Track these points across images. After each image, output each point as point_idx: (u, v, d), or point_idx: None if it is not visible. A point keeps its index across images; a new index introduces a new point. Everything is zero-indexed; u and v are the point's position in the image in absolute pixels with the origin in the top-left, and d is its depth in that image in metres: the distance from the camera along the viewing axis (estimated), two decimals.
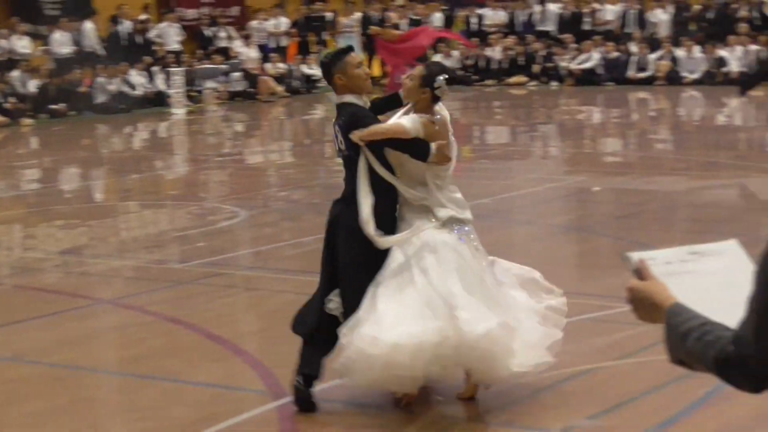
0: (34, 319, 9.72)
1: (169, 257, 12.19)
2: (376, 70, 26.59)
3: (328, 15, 34.57)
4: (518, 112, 27.43)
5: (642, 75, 30.15)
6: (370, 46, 28.10)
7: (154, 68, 29.97)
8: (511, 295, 7.18)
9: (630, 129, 23.26)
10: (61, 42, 29.27)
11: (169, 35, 31.58)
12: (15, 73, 27.65)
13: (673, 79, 29.30)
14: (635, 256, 2.98)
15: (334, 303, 7.02)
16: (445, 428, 6.78)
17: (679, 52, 30.06)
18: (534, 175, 16.67)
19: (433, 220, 7.05)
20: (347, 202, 7.10)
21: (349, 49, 7.43)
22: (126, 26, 30.84)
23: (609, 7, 33.02)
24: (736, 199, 14.08)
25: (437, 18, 33.90)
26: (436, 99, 7.22)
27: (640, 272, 2.94)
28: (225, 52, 31.83)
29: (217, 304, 9.99)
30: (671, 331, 2.83)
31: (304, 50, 33.33)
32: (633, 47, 30.64)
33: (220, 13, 33.39)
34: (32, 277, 11.52)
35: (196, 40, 32.70)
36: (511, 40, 33.15)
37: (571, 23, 33.26)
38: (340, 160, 7.32)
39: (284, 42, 33.70)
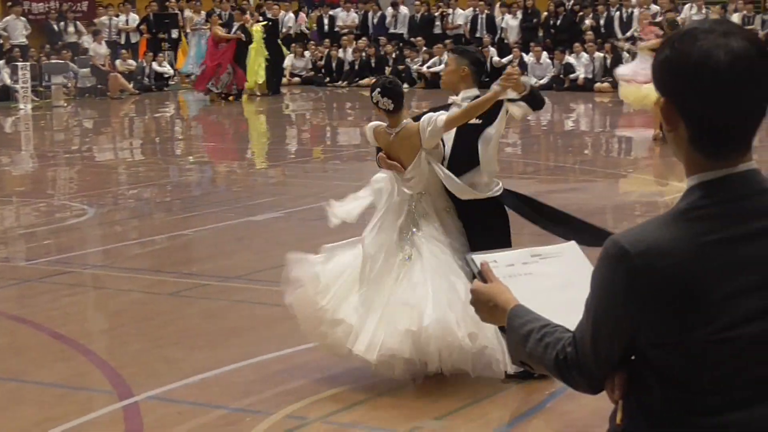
0: None
1: (15, 254, 11.97)
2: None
3: (183, 13, 34.23)
4: (369, 113, 27.50)
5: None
6: None
7: (0, 62, 29.37)
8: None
9: None
10: None
11: (16, 29, 30.97)
12: None
13: None
14: (478, 258, 3.00)
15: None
16: (294, 428, 6.79)
17: (528, 58, 30.55)
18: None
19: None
20: None
21: None
22: None
23: (459, 11, 33.38)
24: (583, 202, 14.30)
25: (290, 18, 33.85)
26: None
27: (483, 275, 2.97)
28: (74, 48, 31.29)
29: (63, 302, 9.78)
30: (513, 333, 2.85)
31: (154, 47, 32.97)
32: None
33: (68, 7, 32.85)
34: None
35: (44, 34, 32.11)
36: (362, 41, 33.30)
37: (422, 26, 33.54)
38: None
39: (135, 38, 33.31)
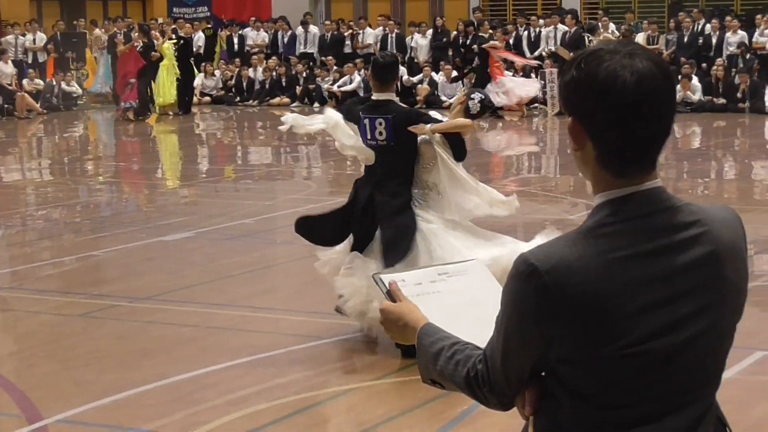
0: None
1: None
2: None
3: (95, 31, 33.91)
4: (280, 133, 27.30)
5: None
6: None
7: None
8: None
9: None
10: None
11: None
12: None
13: (432, 102, 29.85)
14: (386, 278, 3.01)
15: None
16: None
17: (438, 77, 30.69)
18: (296, 196, 16.65)
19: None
20: (381, 184, 8.48)
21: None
22: None
23: (369, 30, 33.46)
24: (495, 220, 14.29)
25: (200, 38, 33.69)
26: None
27: (392, 294, 2.98)
28: None
29: None
30: (423, 352, 2.87)
31: (62, 66, 32.62)
32: None
33: None
34: None
35: None
36: (273, 61, 33.24)
37: (332, 45, 33.58)
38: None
39: (42, 58, 32.96)
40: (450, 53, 32.02)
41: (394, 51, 31.83)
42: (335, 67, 31.98)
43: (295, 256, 12.49)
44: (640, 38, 29.65)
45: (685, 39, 29.86)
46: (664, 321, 2.60)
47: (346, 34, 33.72)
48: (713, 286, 2.67)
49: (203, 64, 33.01)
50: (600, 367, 2.59)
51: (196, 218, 14.69)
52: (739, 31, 29.29)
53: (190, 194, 17.73)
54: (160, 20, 34.52)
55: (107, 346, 8.87)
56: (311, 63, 33.36)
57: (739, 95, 27.26)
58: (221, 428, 7.01)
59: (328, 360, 8.11)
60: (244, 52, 34.66)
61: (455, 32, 32.11)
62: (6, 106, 30.02)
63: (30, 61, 32.59)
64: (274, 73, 32.67)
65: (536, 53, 30.71)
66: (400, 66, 8.77)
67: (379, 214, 8.40)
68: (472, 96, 8.78)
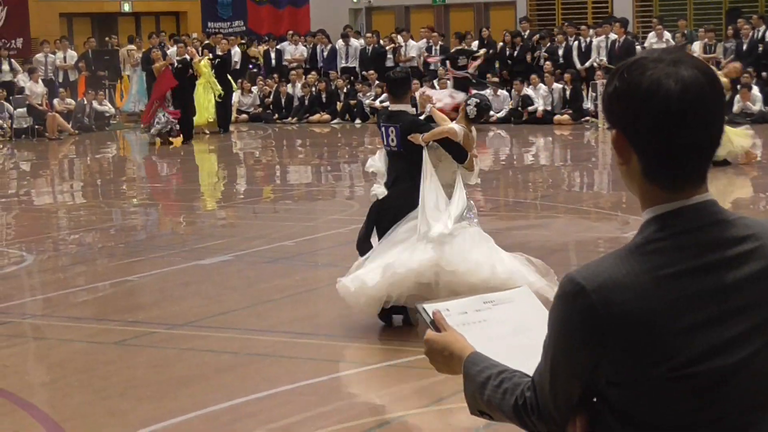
0: None
1: None
2: None
3: (122, 49, 33.43)
4: (321, 151, 26.77)
5: None
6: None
7: None
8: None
9: None
10: None
11: None
12: None
13: None
14: (430, 307, 2.99)
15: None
16: None
17: (487, 92, 29.70)
18: (338, 216, 16.29)
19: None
20: (394, 185, 9.79)
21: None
22: None
23: (412, 42, 32.57)
24: (545, 239, 13.70)
25: (236, 53, 32.84)
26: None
27: (436, 324, 2.95)
28: (9, 87, 30.19)
29: (1, 354, 9.50)
30: (470, 382, 2.84)
31: (94, 85, 31.91)
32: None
33: (2, 44, 32.06)
34: None
35: None
36: (312, 76, 32.36)
37: (374, 59, 32.62)
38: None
39: (73, 76, 32.29)
40: (497, 65, 31.08)
41: (438, 65, 31.08)
42: (377, 82, 30.96)
43: (336, 279, 12.14)
44: (697, 47, 28.70)
45: (744, 47, 28.88)
46: (715, 341, 2.55)
47: (387, 48, 32.73)
48: None
49: (240, 80, 32.24)
50: (649, 390, 2.55)
51: (235, 241, 14.53)
52: None
53: (227, 216, 17.62)
54: (194, 35, 33.93)
55: (143, 375, 8.85)
56: (352, 78, 32.48)
57: None
58: None
59: (373, 387, 8.23)
60: (281, 66, 33.82)
61: (501, 43, 31.17)
62: (37, 127, 29.53)
63: (61, 80, 32.20)
64: (313, 89, 31.88)
65: (587, 64, 29.68)
66: (412, 80, 10.92)
67: (386, 213, 9.77)
68: (469, 102, 9.87)
